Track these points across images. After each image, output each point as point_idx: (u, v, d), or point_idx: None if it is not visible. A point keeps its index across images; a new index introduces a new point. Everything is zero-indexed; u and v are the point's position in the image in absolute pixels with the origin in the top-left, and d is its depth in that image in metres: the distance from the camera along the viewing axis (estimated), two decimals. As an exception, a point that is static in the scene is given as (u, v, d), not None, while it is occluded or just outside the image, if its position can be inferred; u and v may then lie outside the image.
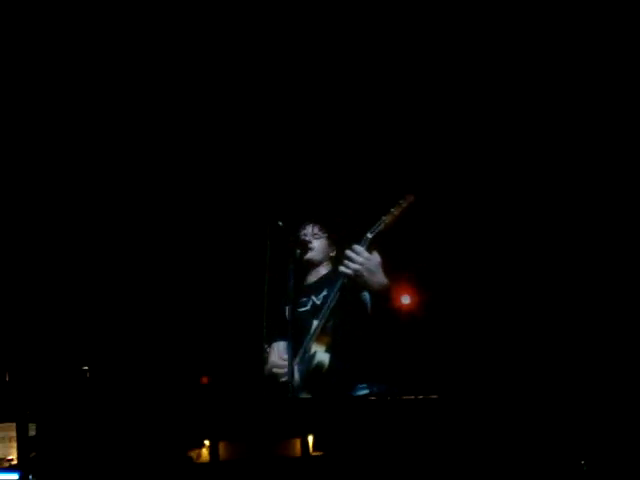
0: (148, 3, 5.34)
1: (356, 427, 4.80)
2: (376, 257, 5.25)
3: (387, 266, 5.30)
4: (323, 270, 5.63)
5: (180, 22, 5.46)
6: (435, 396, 4.65)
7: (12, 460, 5.13)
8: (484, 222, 5.51)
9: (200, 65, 5.68)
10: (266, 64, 5.67)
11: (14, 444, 5.16)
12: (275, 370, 5.39)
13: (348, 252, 5.25)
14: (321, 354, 5.30)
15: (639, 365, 4.99)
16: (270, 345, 5.47)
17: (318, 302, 5.48)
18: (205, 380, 5.63)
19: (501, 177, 5.56)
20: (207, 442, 4.85)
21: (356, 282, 5.28)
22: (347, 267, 5.25)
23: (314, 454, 4.73)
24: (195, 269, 5.86)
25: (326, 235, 5.60)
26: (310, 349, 5.30)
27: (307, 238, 5.52)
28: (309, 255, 5.49)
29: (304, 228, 5.57)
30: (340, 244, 5.58)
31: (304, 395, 5.27)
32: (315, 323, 5.37)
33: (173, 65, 5.66)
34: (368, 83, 5.76)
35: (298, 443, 4.75)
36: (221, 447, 4.77)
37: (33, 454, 4.93)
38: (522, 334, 5.25)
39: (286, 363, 5.14)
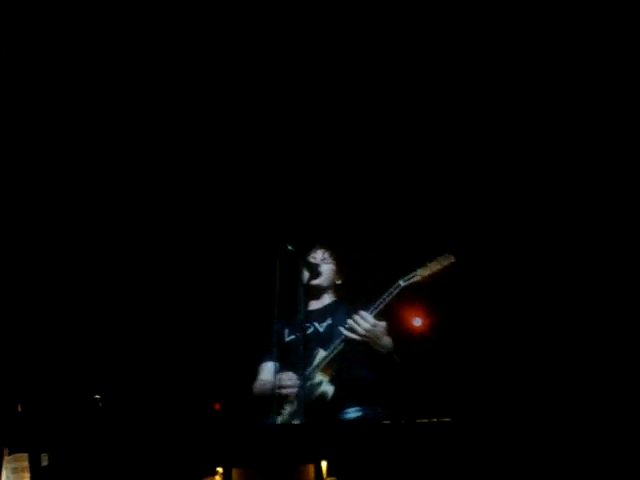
0: (148, 3, 5.35)
1: (369, 452, 4.78)
2: (382, 324, 5.27)
3: (392, 330, 5.31)
4: (327, 299, 5.65)
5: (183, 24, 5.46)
6: (448, 419, 4.62)
7: (25, 491, 5.11)
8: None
9: (208, 87, 5.68)
10: (282, 84, 5.67)
11: (27, 474, 5.14)
12: (263, 389, 5.39)
13: (356, 318, 5.28)
14: (326, 385, 5.30)
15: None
16: (260, 364, 5.47)
17: (321, 329, 5.49)
18: (218, 406, 5.61)
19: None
20: (220, 469, 4.83)
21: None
22: (353, 332, 5.29)
23: (328, 480, 4.71)
24: (205, 295, 5.86)
25: (335, 262, 5.60)
26: (314, 377, 5.31)
27: (316, 262, 5.52)
28: (317, 281, 5.51)
29: (314, 252, 5.56)
30: (348, 273, 5.59)
31: (297, 421, 5.24)
32: (321, 352, 5.37)
33: (177, 86, 5.66)
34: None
35: (312, 469, 4.72)
36: (234, 474, 4.75)
37: (46, 484, 4.93)
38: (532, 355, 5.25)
39: (287, 384, 5.16)
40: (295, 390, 5.24)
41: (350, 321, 5.27)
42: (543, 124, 5.56)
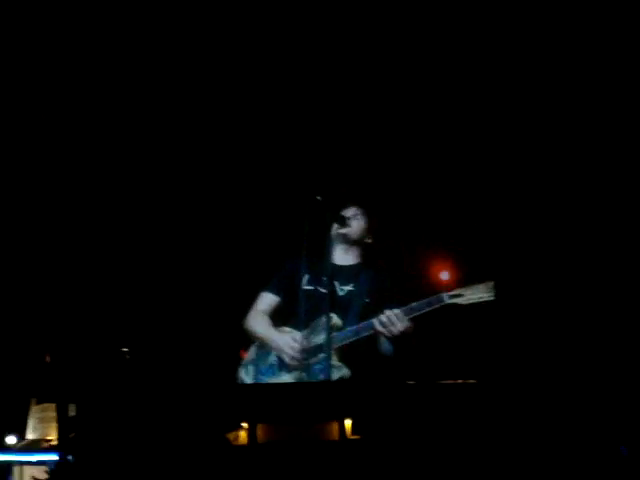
0: (148, 3, 5.33)
1: (394, 412, 4.77)
2: (411, 326, 5.03)
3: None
4: (353, 258, 5.50)
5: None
6: (473, 381, 4.60)
7: (52, 441, 5.18)
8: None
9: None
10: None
11: (54, 424, 5.20)
12: (256, 327, 5.31)
13: (391, 316, 4.98)
14: (344, 369, 5.19)
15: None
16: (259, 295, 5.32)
17: (341, 293, 5.31)
18: (244, 354, 5.61)
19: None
20: (245, 424, 4.85)
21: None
22: (385, 327, 5.01)
23: (352, 437, 4.71)
24: (233, 250, 5.88)
25: (365, 219, 5.51)
26: (325, 352, 4.98)
27: (348, 215, 5.40)
28: (345, 230, 5.37)
29: (346, 208, 5.47)
30: (378, 235, 5.50)
31: (285, 374, 5.16)
32: (334, 318, 5.10)
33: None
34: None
35: (336, 426, 4.73)
36: (259, 429, 4.77)
37: (72, 435, 4.97)
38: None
39: (292, 345, 5.13)
40: (299, 357, 5.12)
41: (384, 318, 5.00)
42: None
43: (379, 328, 5.03)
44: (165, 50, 5.74)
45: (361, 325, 5.15)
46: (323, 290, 5.21)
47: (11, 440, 5.58)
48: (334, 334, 5.05)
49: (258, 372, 5.27)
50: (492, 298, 4.84)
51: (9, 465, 5.40)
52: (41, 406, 5.38)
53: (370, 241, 5.54)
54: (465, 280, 4.99)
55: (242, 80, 5.99)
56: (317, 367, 5.07)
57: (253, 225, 6.16)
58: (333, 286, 5.27)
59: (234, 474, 4.66)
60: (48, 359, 5.52)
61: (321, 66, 5.93)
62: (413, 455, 4.46)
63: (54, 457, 4.86)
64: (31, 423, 5.49)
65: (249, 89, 6.01)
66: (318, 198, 5.05)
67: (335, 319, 5.14)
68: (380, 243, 5.54)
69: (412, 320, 5.00)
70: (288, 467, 4.57)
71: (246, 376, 5.31)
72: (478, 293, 4.84)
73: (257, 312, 5.34)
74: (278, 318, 5.33)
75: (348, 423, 4.71)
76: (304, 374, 5.00)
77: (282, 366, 5.21)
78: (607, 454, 4.27)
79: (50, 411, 5.29)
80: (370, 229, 5.51)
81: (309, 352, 5.11)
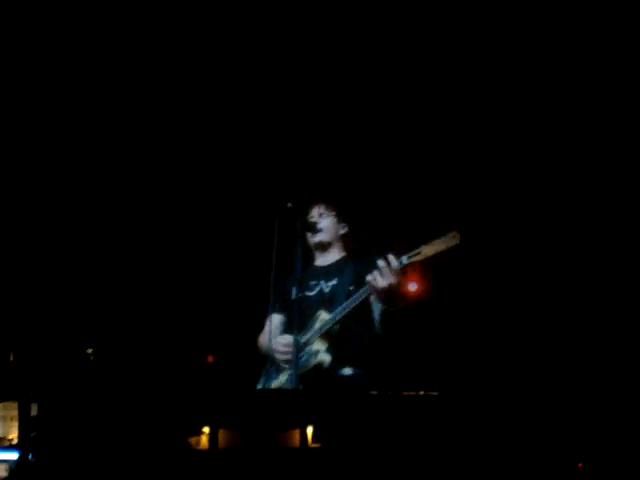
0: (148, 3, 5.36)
1: (356, 421, 4.80)
2: (402, 280, 4.92)
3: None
4: (335, 255, 5.52)
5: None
6: (436, 393, 4.64)
7: (12, 440, 5.16)
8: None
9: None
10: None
11: (15, 424, 5.19)
12: (265, 343, 5.30)
13: (381, 263, 4.88)
14: (323, 354, 5.18)
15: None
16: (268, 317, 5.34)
17: (326, 290, 5.34)
18: (211, 359, 5.60)
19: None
20: (206, 429, 4.86)
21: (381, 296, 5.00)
22: (378, 279, 4.89)
23: (313, 445, 4.74)
24: (204, 250, 5.88)
25: (334, 213, 5.50)
26: (313, 344, 5.18)
27: (314, 219, 5.41)
28: (318, 237, 5.41)
29: (311, 211, 5.47)
30: (351, 221, 5.50)
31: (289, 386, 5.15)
32: (323, 315, 5.20)
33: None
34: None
35: (297, 434, 4.75)
36: (220, 435, 4.79)
37: (34, 434, 4.96)
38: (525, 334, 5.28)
39: (284, 346, 5.14)
40: (289, 357, 5.10)
41: (375, 272, 4.87)
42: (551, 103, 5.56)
43: (372, 281, 4.89)
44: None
45: (341, 306, 5.16)
46: (309, 293, 5.32)
47: (-27, 439, 5.55)
48: (326, 319, 5.15)
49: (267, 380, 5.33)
50: (458, 242, 4.81)
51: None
52: (2, 404, 5.36)
53: (346, 230, 5.57)
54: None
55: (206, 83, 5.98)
56: (303, 359, 5.11)
57: (225, 228, 6.16)
58: (319, 286, 5.35)
59: (194, 478, 4.66)
60: (11, 358, 5.49)
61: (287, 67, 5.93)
62: (372, 464, 4.49)
63: (15, 455, 4.84)
64: (-8, 421, 5.47)
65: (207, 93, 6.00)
66: (289, 205, 5.07)
67: (323, 314, 5.19)
68: (356, 227, 5.57)
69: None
70: (248, 472, 4.59)
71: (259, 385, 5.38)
72: (442, 244, 4.84)
73: (264, 332, 5.39)
74: (286, 332, 5.38)
75: (309, 431, 4.75)
76: (292, 371, 5.03)
77: (279, 369, 5.26)
78: (566, 468, 4.35)
79: (12, 410, 5.27)
80: (341, 219, 5.54)
81: (300, 350, 5.10)
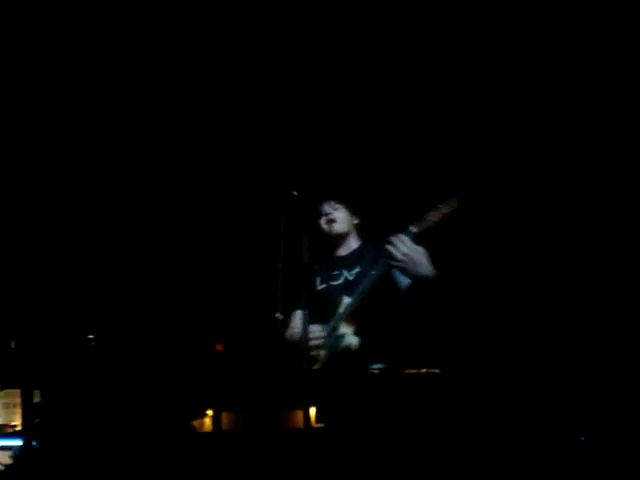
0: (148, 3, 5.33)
1: (359, 401, 4.80)
2: (420, 249, 5.04)
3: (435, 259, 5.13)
4: (354, 244, 5.60)
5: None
6: (437, 370, 4.64)
7: (16, 426, 5.17)
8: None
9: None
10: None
11: (18, 410, 5.20)
12: (296, 337, 5.25)
13: (392, 239, 5.05)
14: (350, 337, 5.21)
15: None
16: (289, 314, 5.33)
17: (351, 278, 5.40)
18: (220, 347, 5.62)
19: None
20: (210, 412, 4.87)
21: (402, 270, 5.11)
22: (392, 258, 5.05)
23: (316, 426, 4.74)
24: (213, 236, 5.88)
25: (344, 205, 5.57)
26: (339, 328, 5.23)
27: (329, 211, 5.50)
28: (335, 229, 5.50)
29: (322, 205, 5.54)
30: (362, 211, 5.57)
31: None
32: (346, 300, 5.26)
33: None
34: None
35: (301, 414, 4.75)
36: (223, 417, 4.79)
37: (37, 421, 4.97)
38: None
39: (315, 335, 5.14)
40: (321, 342, 5.18)
41: (388, 246, 5.04)
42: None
43: (391, 249, 5.02)
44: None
45: (360, 287, 5.22)
46: (334, 282, 5.42)
47: (-25, 426, 5.57)
48: (348, 303, 5.22)
49: None
50: (456, 206, 5.00)
51: (-27, 450, 5.38)
52: (5, 392, 5.37)
53: (357, 221, 5.63)
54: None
55: (209, 80, 5.97)
56: (332, 344, 5.20)
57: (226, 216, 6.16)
58: (344, 275, 5.41)
59: (199, 461, 4.67)
60: (13, 345, 5.50)
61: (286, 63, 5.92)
62: (376, 443, 4.49)
63: (18, 442, 4.85)
64: (-5, 409, 5.48)
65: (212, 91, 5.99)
66: (294, 193, 5.12)
67: (346, 300, 5.25)
68: (366, 216, 5.63)
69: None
70: (252, 454, 4.60)
71: None
72: (447, 208, 5.01)
73: (291, 328, 5.39)
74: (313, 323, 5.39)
75: (313, 411, 4.75)
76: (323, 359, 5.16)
77: (310, 361, 5.26)
78: (568, 443, 4.34)
79: (15, 397, 5.28)
80: (353, 211, 5.60)
81: (329, 336, 5.22)
